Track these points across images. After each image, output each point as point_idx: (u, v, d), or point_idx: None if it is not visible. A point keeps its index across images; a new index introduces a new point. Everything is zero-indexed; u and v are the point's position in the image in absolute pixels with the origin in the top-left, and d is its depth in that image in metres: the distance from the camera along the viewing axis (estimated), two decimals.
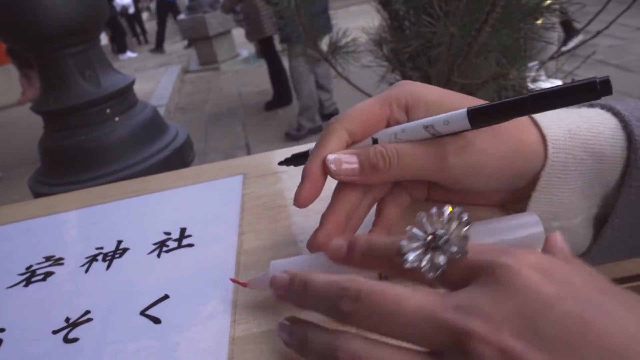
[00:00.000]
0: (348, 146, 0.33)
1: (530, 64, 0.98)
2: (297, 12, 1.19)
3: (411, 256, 0.25)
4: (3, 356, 0.34)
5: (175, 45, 9.06)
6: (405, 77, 1.54)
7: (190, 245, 0.43)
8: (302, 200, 0.32)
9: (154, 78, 6.09)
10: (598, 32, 1.06)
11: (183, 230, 0.45)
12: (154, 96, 5.24)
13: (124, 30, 9.31)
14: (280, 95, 4.47)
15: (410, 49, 1.14)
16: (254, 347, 0.31)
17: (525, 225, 0.31)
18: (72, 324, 0.36)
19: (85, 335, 0.34)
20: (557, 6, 0.60)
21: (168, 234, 0.45)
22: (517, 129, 0.32)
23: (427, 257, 0.24)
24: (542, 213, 0.33)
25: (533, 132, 0.33)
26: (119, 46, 9.04)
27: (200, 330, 0.33)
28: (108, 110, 1.20)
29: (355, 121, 0.33)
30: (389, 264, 0.27)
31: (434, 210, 0.25)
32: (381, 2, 1.43)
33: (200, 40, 6.45)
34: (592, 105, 0.36)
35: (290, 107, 4.31)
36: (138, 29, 10.53)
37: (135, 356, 0.32)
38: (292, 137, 3.78)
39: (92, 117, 1.19)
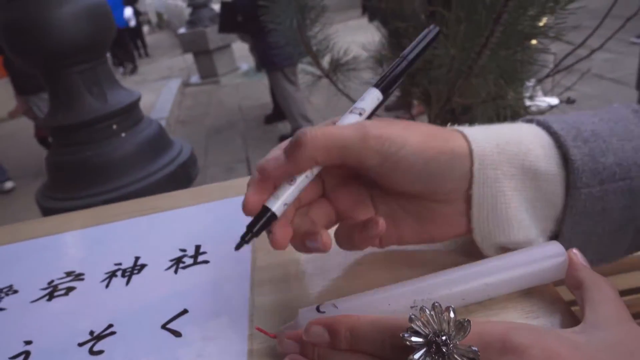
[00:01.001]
0: None
1: (527, 83, 1.01)
2: (299, 32, 1.22)
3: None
4: None
5: (175, 58, 9.12)
6: (404, 93, 1.57)
7: (206, 261, 0.45)
8: (249, 208, 0.34)
9: (155, 91, 6.14)
10: (592, 51, 1.10)
11: (198, 247, 0.47)
12: (154, 109, 5.28)
13: (126, 42, 9.37)
14: (280, 108, 4.51)
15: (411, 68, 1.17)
16: None
17: (549, 256, 0.32)
18: (96, 337, 0.38)
19: (110, 347, 0.36)
20: (551, 32, 0.62)
21: (184, 250, 0.47)
22: (445, 136, 0.33)
23: None
24: (487, 231, 0.34)
25: (461, 143, 0.33)
26: (120, 59, 9.10)
27: (219, 343, 0.35)
28: (114, 126, 1.23)
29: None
30: (381, 353, 0.27)
31: (427, 312, 0.26)
32: (380, 20, 1.47)
33: (200, 53, 6.51)
34: (529, 121, 0.36)
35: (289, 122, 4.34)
36: (139, 43, 10.61)
37: None
38: None
39: (99, 133, 1.22)
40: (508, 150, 0.33)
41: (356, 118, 0.34)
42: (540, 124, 0.35)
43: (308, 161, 0.32)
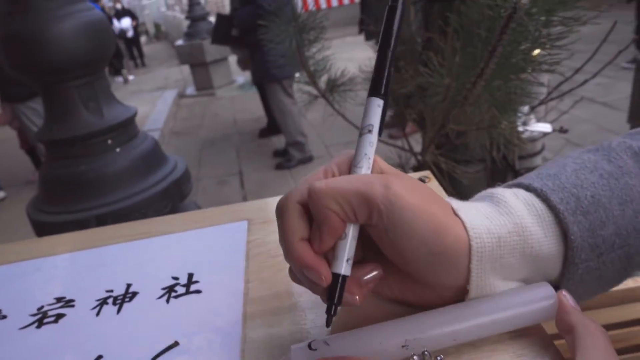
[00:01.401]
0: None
1: (520, 111, 1.02)
2: (297, 53, 1.23)
3: None
4: None
5: (171, 69, 9.15)
6: (400, 114, 1.59)
7: (198, 291, 0.45)
8: (328, 280, 0.32)
9: (150, 101, 6.14)
10: (585, 81, 1.11)
11: (190, 275, 0.47)
12: (149, 120, 5.28)
13: (121, 52, 9.40)
14: (275, 123, 4.52)
15: (406, 90, 1.18)
16: None
17: (539, 299, 0.32)
18: None
19: None
20: (544, 66, 0.64)
21: (176, 278, 0.47)
22: (447, 226, 0.31)
23: None
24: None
25: (462, 238, 0.32)
26: (116, 68, 9.11)
27: None
28: (110, 141, 1.23)
29: (304, 192, 0.32)
30: None
31: (415, 357, 0.27)
32: (376, 41, 1.49)
33: (197, 65, 6.53)
34: (528, 189, 0.35)
35: (284, 136, 4.36)
36: (135, 52, 10.64)
37: None
38: (282, 168, 3.82)
39: (93, 147, 1.22)
40: (510, 242, 0.32)
41: (368, 149, 0.33)
42: (539, 195, 0.34)
43: (326, 212, 0.31)
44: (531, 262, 0.33)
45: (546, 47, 0.60)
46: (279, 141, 4.36)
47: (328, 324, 0.33)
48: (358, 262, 0.36)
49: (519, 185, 0.36)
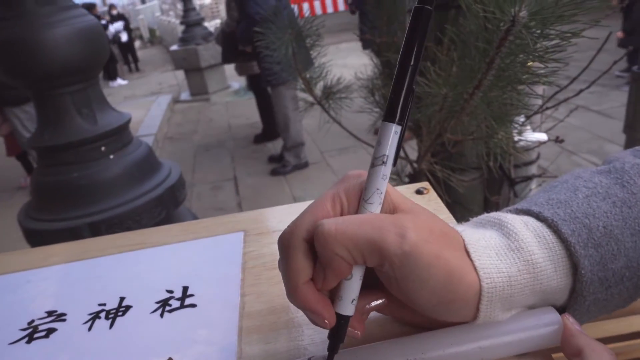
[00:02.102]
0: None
1: (517, 119, 1.02)
2: (293, 59, 1.23)
3: None
4: None
5: (166, 74, 9.13)
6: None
7: (193, 305, 0.44)
8: (332, 322, 0.31)
9: (144, 106, 6.12)
10: (580, 91, 1.12)
11: (185, 289, 0.46)
12: (143, 125, 5.25)
13: (115, 57, 9.38)
14: (270, 129, 4.52)
15: None
16: None
17: (544, 324, 0.32)
18: None
19: None
20: (540, 78, 0.64)
21: (170, 292, 0.46)
22: (459, 272, 0.30)
23: None
24: None
25: (473, 282, 0.31)
26: (110, 73, 9.08)
27: None
28: (103, 148, 1.22)
29: (310, 227, 0.30)
30: None
31: None
32: (373, 50, 1.49)
33: (192, 70, 6.52)
34: (538, 218, 0.33)
35: (280, 141, 4.35)
36: (130, 57, 10.62)
37: None
38: (278, 173, 3.81)
39: (86, 154, 1.20)
40: (520, 280, 0.31)
41: (381, 183, 0.30)
42: (550, 225, 0.32)
43: (334, 257, 0.29)
44: (539, 295, 0.32)
45: (543, 59, 0.60)
46: (274, 147, 4.36)
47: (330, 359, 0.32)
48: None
49: (529, 213, 0.35)
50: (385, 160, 0.30)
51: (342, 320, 0.31)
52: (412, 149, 1.61)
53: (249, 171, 3.99)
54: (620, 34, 4.67)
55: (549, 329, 0.32)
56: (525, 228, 0.33)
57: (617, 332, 0.61)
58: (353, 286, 0.31)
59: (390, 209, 0.32)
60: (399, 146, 0.31)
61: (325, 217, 0.30)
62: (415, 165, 1.27)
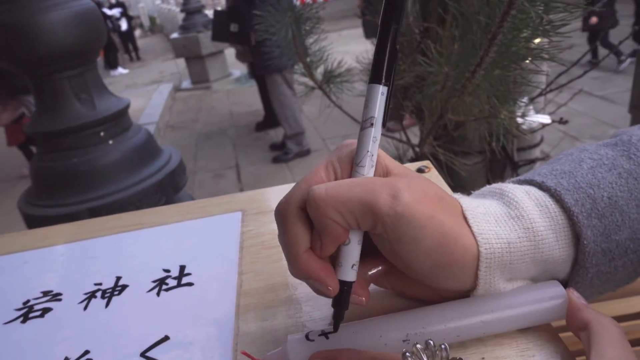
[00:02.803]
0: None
1: (520, 101, 1.01)
2: (293, 43, 1.21)
3: None
4: None
5: (166, 63, 9.09)
6: (397, 107, 1.57)
7: (190, 284, 0.43)
8: (335, 289, 0.30)
9: (145, 95, 6.10)
10: (585, 72, 1.10)
11: (182, 267, 0.45)
12: (144, 113, 5.24)
13: (115, 46, 9.33)
14: (271, 116, 4.50)
15: (403, 82, 1.16)
16: None
17: (548, 298, 0.31)
18: None
19: None
20: (544, 54, 0.62)
21: (167, 271, 0.45)
22: (455, 235, 0.30)
23: None
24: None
25: (470, 246, 0.30)
26: (111, 62, 9.05)
27: None
28: (102, 133, 1.21)
29: (305, 196, 0.30)
30: None
31: (421, 349, 0.25)
32: (375, 34, 1.47)
33: (192, 58, 6.49)
34: (541, 188, 0.32)
35: (282, 129, 4.34)
36: (130, 46, 10.56)
37: None
38: (280, 161, 3.80)
39: (85, 139, 1.20)
40: (520, 247, 0.30)
41: (371, 145, 0.30)
42: (553, 195, 0.31)
43: (327, 222, 0.28)
44: (540, 265, 0.31)
45: (549, 34, 0.58)
46: (275, 134, 4.34)
47: (336, 328, 0.32)
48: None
49: (531, 183, 0.34)
50: (373, 122, 0.30)
51: (345, 287, 0.30)
52: (414, 135, 1.59)
53: (251, 159, 3.99)
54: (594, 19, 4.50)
55: (553, 303, 0.31)
56: (526, 197, 0.32)
57: (622, 312, 0.61)
58: (352, 251, 0.30)
59: (383, 173, 0.31)
60: (387, 108, 0.30)
61: (319, 184, 0.30)
62: (417, 149, 1.26)
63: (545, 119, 1.14)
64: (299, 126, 3.80)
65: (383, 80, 0.30)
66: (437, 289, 0.32)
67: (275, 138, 4.24)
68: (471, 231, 0.30)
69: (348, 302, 0.31)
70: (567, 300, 0.31)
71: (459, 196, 0.33)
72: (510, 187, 0.33)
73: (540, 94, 1.09)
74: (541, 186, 0.33)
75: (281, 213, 0.30)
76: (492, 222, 0.31)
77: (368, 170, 0.30)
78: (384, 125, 0.30)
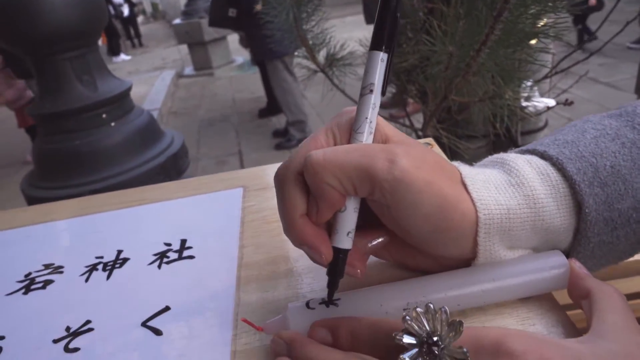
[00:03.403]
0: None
1: (525, 84, 1.00)
2: (295, 26, 1.20)
3: None
4: None
5: (169, 49, 9.05)
6: (400, 90, 1.56)
7: (191, 257, 0.43)
8: (328, 257, 0.30)
9: (148, 82, 6.08)
10: (591, 54, 1.09)
11: (183, 241, 0.45)
12: (147, 100, 5.22)
13: (117, 32, 9.29)
14: (274, 103, 4.48)
15: (407, 64, 1.15)
16: None
17: (550, 267, 0.31)
18: (72, 334, 0.36)
19: (86, 345, 0.35)
20: (552, 31, 0.61)
21: (168, 245, 0.45)
22: (454, 200, 0.29)
23: None
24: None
25: (469, 211, 0.29)
26: (113, 48, 9.02)
27: (202, 342, 0.33)
28: (104, 115, 1.21)
29: (303, 161, 0.30)
30: (378, 354, 0.26)
31: (421, 312, 0.25)
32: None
33: (195, 45, 6.45)
34: (543, 157, 0.32)
35: (284, 115, 4.33)
36: (132, 32, 10.51)
37: None
38: (282, 147, 3.80)
39: (87, 121, 1.19)
40: (520, 214, 0.30)
41: (370, 112, 0.30)
42: (554, 163, 0.31)
43: (323, 187, 0.28)
44: (541, 234, 0.31)
45: (559, 9, 0.57)
46: (278, 121, 4.33)
47: (330, 297, 0.32)
48: (358, 227, 0.34)
49: (533, 152, 0.33)
50: (372, 88, 0.30)
51: (340, 255, 0.30)
52: (417, 122, 1.58)
53: (254, 145, 3.98)
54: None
55: (555, 272, 0.31)
56: (527, 165, 0.32)
57: (626, 292, 0.60)
58: (348, 218, 0.30)
59: (382, 140, 0.31)
60: (387, 75, 0.30)
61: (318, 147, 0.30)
62: (420, 133, 1.25)
63: (549, 101, 1.13)
64: (301, 112, 3.78)
65: (384, 47, 0.30)
66: (438, 257, 0.32)
67: (278, 125, 4.23)
68: (470, 198, 0.30)
69: (343, 270, 0.31)
70: (568, 269, 0.30)
71: (458, 164, 0.33)
72: (511, 157, 0.33)
73: (545, 77, 1.08)
74: (543, 155, 0.32)
75: (279, 178, 0.30)
76: (492, 189, 0.30)
77: (367, 136, 0.30)
78: (383, 93, 0.31)
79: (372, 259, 0.38)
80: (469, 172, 0.31)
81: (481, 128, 1.19)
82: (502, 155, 0.34)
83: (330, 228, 0.31)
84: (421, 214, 0.28)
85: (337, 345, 0.28)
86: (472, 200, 0.30)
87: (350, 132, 0.31)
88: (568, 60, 1.06)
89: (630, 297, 0.62)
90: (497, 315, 0.32)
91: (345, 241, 0.30)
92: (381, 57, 0.30)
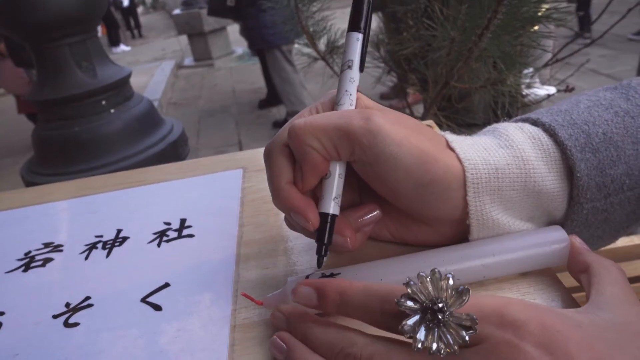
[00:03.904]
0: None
1: (525, 71, 1.00)
2: (296, 12, 1.19)
3: (420, 335, 0.23)
4: (3, 339, 0.34)
5: (169, 40, 9.00)
6: (401, 78, 1.55)
7: (191, 235, 0.43)
8: (315, 223, 0.31)
9: (148, 72, 6.06)
10: (592, 41, 1.08)
11: (183, 220, 0.45)
12: (146, 90, 5.20)
13: (117, 22, 9.24)
14: (274, 93, 4.47)
15: (407, 52, 1.15)
16: (254, 335, 0.31)
17: (550, 242, 0.31)
18: (72, 309, 0.36)
19: (86, 320, 0.35)
20: (555, 15, 0.60)
21: (168, 224, 0.45)
22: (438, 156, 0.30)
23: (436, 335, 0.23)
24: (483, 236, 0.32)
25: (454, 168, 0.30)
26: (113, 39, 8.97)
27: (201, 317, 0.33)
28: (104, 102, 1.20)
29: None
30: (370, 319, 0.26)
31: (425, 278, 0.25)
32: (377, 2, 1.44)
33: (195, 35, 6.42)
34: (535, 124, 0.33)
35: (284, 107, 4.32)
36: (132, 23, 10.46)
37: (136, 342, 0.32)
38: None
39: (87, 108, 1.19)
40: (509, 173, 0.30)
41: (349, 85, 0.33)
42: (547, 129, 0.31)
43: (305, 149, 0.30)
44: (534, 198, 0.31)
45: None
46: (278, 112, 4.32)
47: (319, 264, 0.33)
48: (355, 205, 0.35)
49: (526, 120, 0.34)
50: (351, 64, 0.33)
51: (327, 220, 0.31)
52: (418, 113, 1.58)
53: (254, 136, 3.97)
54: None
55: (555, 247, 0.31)
56: (519, 131, 0.32)
57: (627, 276, 0.60)
58: (332, 184, 0.31)
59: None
60: (364, 52, 0.33)
61: None
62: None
63: (550, 89, 1.13)
64: (300, 103, 3.77)
65: (360, 29, 0.33)
66: (431, 220, 0.32)
67: (278, 116, 4.22)
68: (457, 157, 0.30)
69: (331, 237, 0.32)
70: (569, 245, 0.30)
71: (444, 133, 0.33)
72: (503, 125, 0.33)
73: (546, 64, 1.07)
74: (535, 122, 0.33)
75: (267, 151, 0.33)
76: (480, 150, 0.31)
77: (347, 107, 0.33)
78: (361, 69, 0.33)
79: (371, 239, 0.38)
80: (455, 138, 0.32)
81: (481, 116, 1.19)
82: (494, 125, 0.34)
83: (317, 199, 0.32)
84: (402, 167, 0.29)
85: (324, 307, 0.28)
86: (460, 160, 0.30)
87: (333, 107, 0.33)
88: (569, 49, 1.05)
89: (631, 280, 0.62)
90: (498, 290, 0.32)
91: (331, 206, 0.31)
92: (357, 37, 0.33)
